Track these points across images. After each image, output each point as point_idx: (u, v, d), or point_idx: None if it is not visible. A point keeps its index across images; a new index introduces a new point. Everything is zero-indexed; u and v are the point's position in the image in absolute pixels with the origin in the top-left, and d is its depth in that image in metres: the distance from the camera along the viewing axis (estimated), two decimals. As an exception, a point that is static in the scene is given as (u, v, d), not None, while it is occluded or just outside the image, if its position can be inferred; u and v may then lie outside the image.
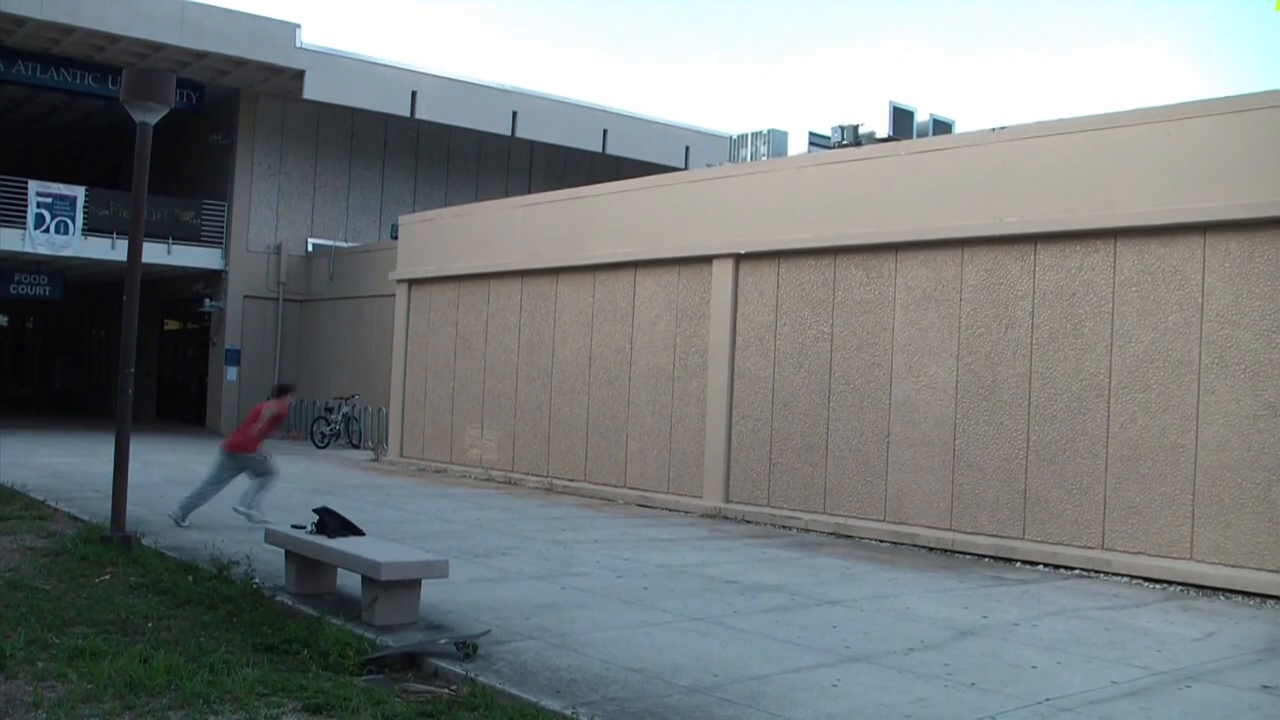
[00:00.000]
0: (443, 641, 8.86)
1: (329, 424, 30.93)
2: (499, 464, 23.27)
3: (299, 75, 32.46)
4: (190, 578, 11.03)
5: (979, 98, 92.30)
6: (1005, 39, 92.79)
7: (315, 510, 11.24)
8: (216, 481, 15.67)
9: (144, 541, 12.94)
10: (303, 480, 21.66)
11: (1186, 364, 13.65)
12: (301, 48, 32.35)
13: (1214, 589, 12.98)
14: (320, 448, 30.26)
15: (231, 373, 35.21)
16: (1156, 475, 13.77)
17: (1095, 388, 14.41)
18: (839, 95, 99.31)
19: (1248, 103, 13.39)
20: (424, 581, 9.95)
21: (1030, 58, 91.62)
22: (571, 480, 21.43)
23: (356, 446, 30.34)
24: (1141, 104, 15.22)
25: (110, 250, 31.87)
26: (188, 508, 15.35)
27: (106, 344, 43.70)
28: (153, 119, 13.35)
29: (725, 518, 18.25)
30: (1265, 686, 8.81)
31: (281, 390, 16.52)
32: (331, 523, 10.89)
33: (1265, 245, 13.12)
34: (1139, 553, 13.83)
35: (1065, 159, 14.90)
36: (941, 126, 22.09)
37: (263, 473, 15.88)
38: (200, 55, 31.30)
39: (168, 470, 22.11)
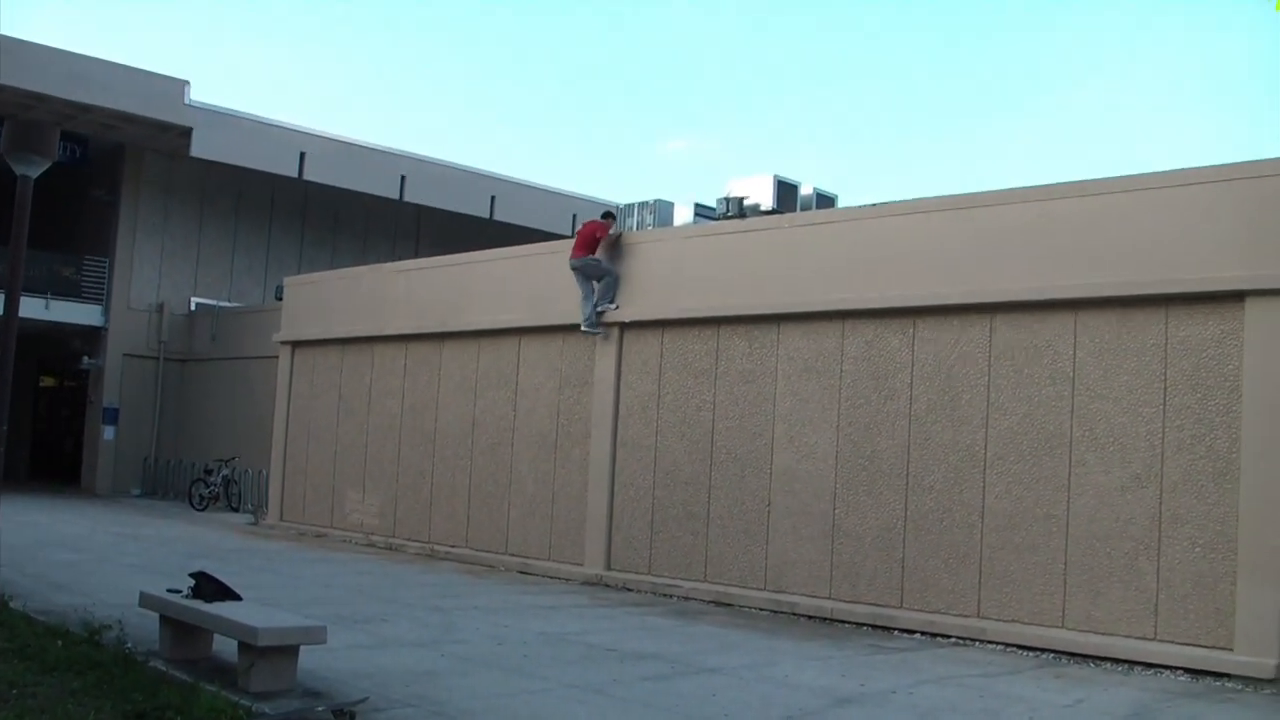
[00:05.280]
0: (320, 709, 8.78)
1: (208, 486, 30.43)
2: (380, 529, 23.06)
3: (186, 133, 32.17)
4: (59, 642, 10.77)
5: (863, 173, 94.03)
6: (891, 116, 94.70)
7: (191, 574, 11.07)
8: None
9: (11, 605, 12.59)
10: (180, 544, 21.32)
11: (1059, 437, 13.99)
12: (190, 105, 32.11)
13: (1085, 656, 13.24)
14: (199, 510, 29.77)
15: (109, 432, 34.59)
16: (1030, 545, 14.06)
17: (971, 459, 14.70)
18: (725, 167, 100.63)
19: (1114, 185, 13.85)
20: (302, 648, 9.85)
21: (914, 136, 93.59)
22: (453, 546, 21.30)
23: (236, 509, 29.86)
24: (1019, 183, 15.66)
25: (-15, 305, 31.15)
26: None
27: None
28: (34, 172, 13.17)
29: (606, 585, 18.25)
30: (1130, 754, 9.01)
31: (607, 214, 20.05)
32: (208, 587, 10.73)
33: (1132, 322, 13.53)
34: (1013, 621, 14.08)
35: (944, 235, 15.25)
36: (825, 201, 22.46)
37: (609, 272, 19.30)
38: (86, 109, 30.91)
39: (39, 531, 21.61)
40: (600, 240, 19.12)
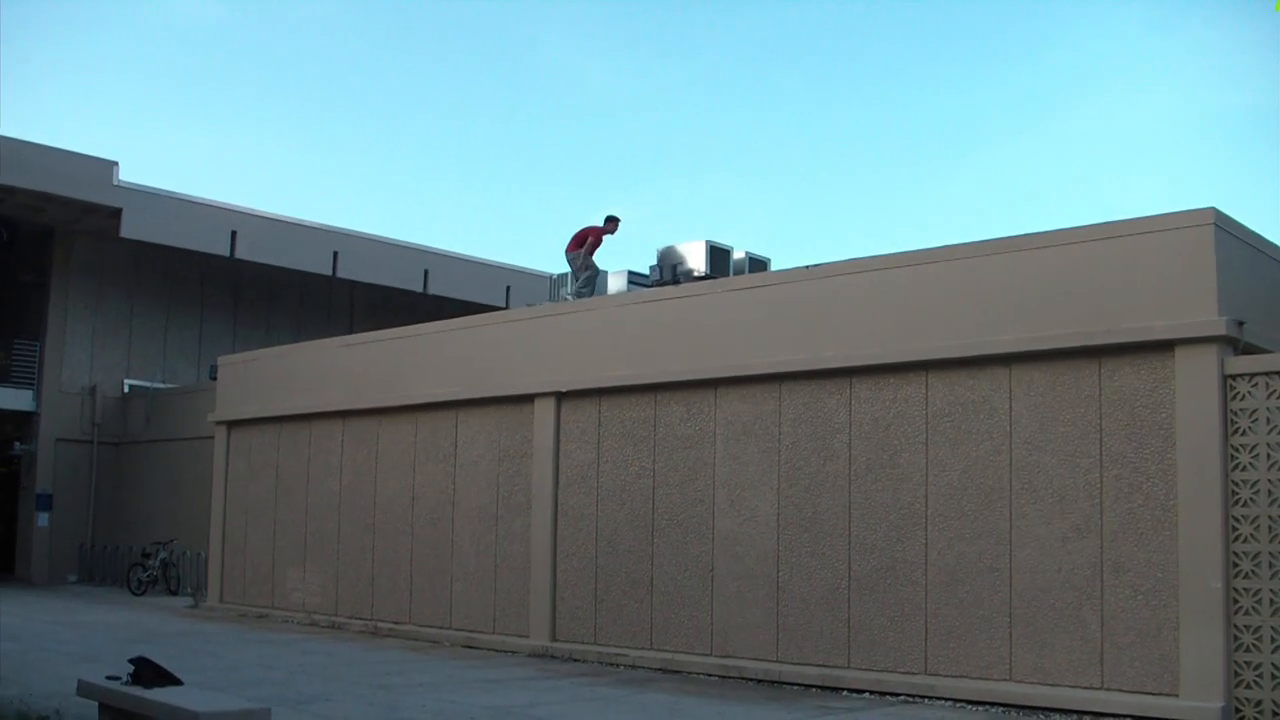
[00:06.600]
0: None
1: (146, 570, 30.00)
2: (322, 608, 22.79)
3: (116, 213, 31.89)
4: (-5, 736, 10.58)
5: (795, 236, 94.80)
6: (821, 178, 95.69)
7: (131, 660, 10.88)
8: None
9: (-56, 701, 12.35)
10: (119, 629, 20.97)
11: (998, 490, 14.06)
12: (119, 185, 31.88)
13: (1034, 708, 13.25)
14: (137, 595, 29.31)
15: (43, 518, 34.03)
16: (974, 599, 14.08)
17: (913, 516, 14.74)
18: (656, 234, 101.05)
19: (1044, 240, 14.04)
20: (244, 732, 9.69)
21: (844, 196, 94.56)
22: (396, 623, 21.08)
23: (175, 593, 29.44)
24: (952, 240, 15.88)
25: (-88, 391, 30.79)
26: None
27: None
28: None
29: (553, 656, 18.10)
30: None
31: (610, 218, 21.57)
32: (148, 672, 10.55)
33: (1065, 375, 13.67)
34: (961, 676, 14.07)
35: (877, 295, 15.38)
36: (757, 264, 22.63)
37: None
38: (11, 191, 30.56)
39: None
40: (589, 241, 21.17)
